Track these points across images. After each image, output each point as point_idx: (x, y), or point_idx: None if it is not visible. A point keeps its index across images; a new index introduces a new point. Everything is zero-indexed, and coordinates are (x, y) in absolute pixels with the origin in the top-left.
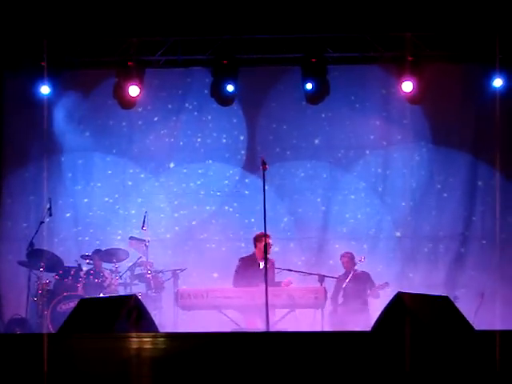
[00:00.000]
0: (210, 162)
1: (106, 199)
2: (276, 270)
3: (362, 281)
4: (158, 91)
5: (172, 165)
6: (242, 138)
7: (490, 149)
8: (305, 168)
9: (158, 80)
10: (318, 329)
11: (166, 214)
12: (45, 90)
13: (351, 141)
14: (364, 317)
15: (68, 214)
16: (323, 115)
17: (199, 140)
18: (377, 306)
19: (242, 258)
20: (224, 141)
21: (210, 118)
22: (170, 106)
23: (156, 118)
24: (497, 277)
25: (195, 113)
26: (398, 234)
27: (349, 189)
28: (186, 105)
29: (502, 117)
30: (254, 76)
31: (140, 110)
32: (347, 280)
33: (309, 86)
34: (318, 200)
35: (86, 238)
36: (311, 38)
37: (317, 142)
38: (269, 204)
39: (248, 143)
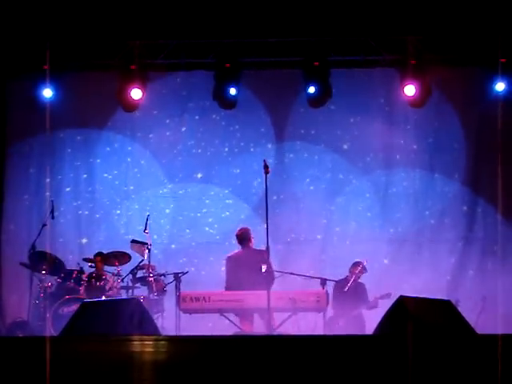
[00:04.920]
0: (238, 171)
1: (106, 175)
2: (277, 274)
3: (359, 290)
4: (185, 100)
5: (200, 175)
6: (269, 146)
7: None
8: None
9: (183, 90)
10: (318, 332)
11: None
12: (47, 93)
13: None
14: (360, 325)
15: (68, 189)
16: (352, 120)
17: (227, 149)
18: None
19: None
20: (252, 150)
21: (237, 127)
22: (197, 117)
23: (184, 129)
24: (498, 280)
25: (223, 123)
26: (386, 261)
27: (363, 193)
28: (214, 116)
29: (504, 121)
30: (276, 81)
31: (167, 121)
32: (348, 284)
33: (311, 89)
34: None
35: (86, 213)
36: (314, 41)
37: (345, 147)
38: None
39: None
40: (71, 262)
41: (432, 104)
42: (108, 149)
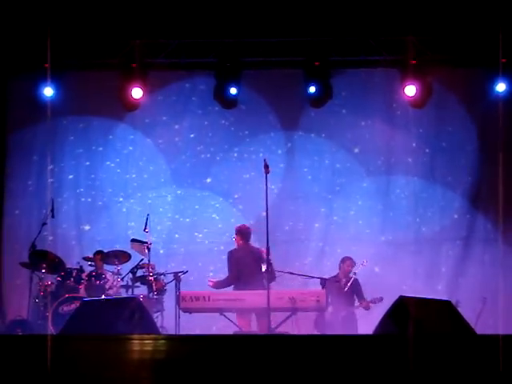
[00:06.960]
0: (247, 176)
1: (108, 163)
2: (277, 274)
3: (354, 287)
4: (194, 106)
5: (209, 180)
6: (279, 151)
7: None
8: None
9: (193, 96)
10: (314, 332)
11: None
12: (48, 91)
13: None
14: (352, 324)
15: (70, 176)
16: (363, 123)
17: (236, 155)
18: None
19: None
20: (261, 155)
21: (246, 133)
22: (206, 123)
23: (192, 135)
24: (499, 281)
25: (232, 128)
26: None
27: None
28: (223, 121)
29: (506, 121)
30: (278, 81)
31: (177, 127)
32: (349, 284)
33: (312, 89)
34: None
35: (89, 200)
36: (315, 41)
37: (356, 150)
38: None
39: (288, 155)
40: (73, 248)
41: (433, 105)
42: (111, 137)
